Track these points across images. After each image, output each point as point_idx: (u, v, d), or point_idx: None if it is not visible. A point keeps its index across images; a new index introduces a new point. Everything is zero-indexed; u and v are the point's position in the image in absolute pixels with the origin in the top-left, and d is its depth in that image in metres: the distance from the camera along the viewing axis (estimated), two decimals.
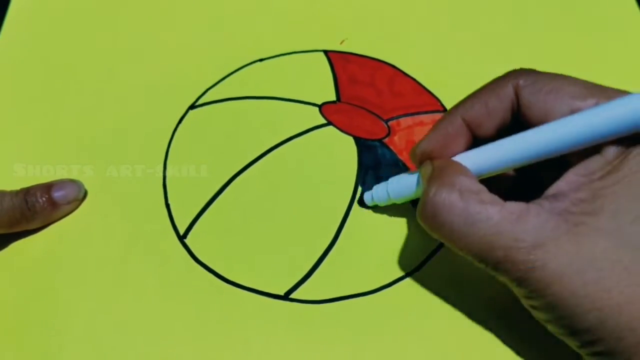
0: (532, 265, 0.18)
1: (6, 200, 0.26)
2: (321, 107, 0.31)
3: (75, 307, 0.26)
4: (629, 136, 0.19)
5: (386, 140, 0.30)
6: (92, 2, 0.37)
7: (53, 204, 0.27)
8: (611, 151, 0.19)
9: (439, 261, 0.26)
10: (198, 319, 0.25)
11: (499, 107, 0.21)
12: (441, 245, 0.26)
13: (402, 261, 0.26)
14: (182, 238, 0.27)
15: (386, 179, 0.28)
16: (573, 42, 0.33)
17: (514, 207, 0.19)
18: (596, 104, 0.19)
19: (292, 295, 0.26)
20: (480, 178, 0.22)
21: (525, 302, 0.20)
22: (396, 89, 0.32)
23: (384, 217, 0.27)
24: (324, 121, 0.31)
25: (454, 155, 0.22)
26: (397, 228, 0.27)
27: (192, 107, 0.32)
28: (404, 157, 0.29)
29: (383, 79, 0.32)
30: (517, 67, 0.32)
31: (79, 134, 0.31)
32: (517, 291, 0.20)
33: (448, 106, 0.31)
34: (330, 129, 0.30)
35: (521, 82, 0.21)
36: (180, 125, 0.31)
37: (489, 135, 0.22)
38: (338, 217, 0.27)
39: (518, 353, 0.23)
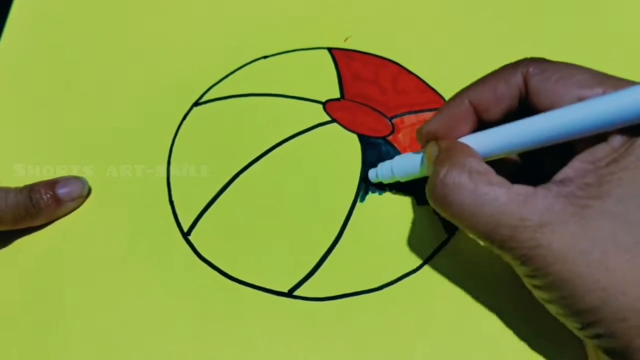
0: (537, 243, 0.19)
1: (10, 196, 0.26)
2: (325, 104, 0.31)
3: (78, 304, 0.26)
4: (635, 125, 0.19)
5: (390, 137, 0.30)
6: (93, 1, 0.36)
7: (57, 201, 0.27)
8: (617, 139, 0.19)
9: (443, 258, 0.26)
10: (202, 316, 0.25)
11: (506, 93, 0.22)
12: (445, 242, 0.26)
13: (406, 258, 0.26)
14: (186, 235, 0.27)
15: None
16: (575, 41, 0.33)
17: (521, 189, 0.20)
18: (603, 93, 0.20)
19: (296, 293, 0.26)
20: (486, 160, 0.22)
21: (528, 282, 0.20)
22: (400, 87, 0.32)
23: (388, 214, 0.27)
24: (328, 118, 0.31)
25: (460, 137, 0.23)
26: (401, 225, 0.27)
27: (196, 104, 0.32)
28: None
29: (387, 77, 0.32)
30: None
31: (80, 134, 0.31)
32: (521, 270, 0.20)
33: None
34: (334, 126, 0.30)
35: (531, 69, 0.21)
36: (184, 122, 0.31)
37: (495, 119, 0.22)
38: (342, 214, 0.27)
39: (522, 352, 0.23)
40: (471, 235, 0.21)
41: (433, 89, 0.32)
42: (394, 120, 0.30)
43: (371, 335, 0.24)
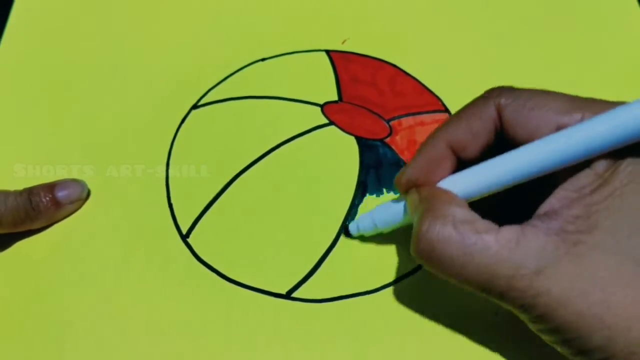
0: (537, 291, 0.18)
1: (10, 199, 0.26)
2: (323, 106, 0.31)
3: (78, 306, 0.26)
4: (617, 149, 0.18)
5: (388, 140, 0.30)
6: (94, 3, 0.37)
7: (56, 204, 0.27)
8: (601, 164, 0.19)
9: None
10: (200, 318, 0.25)
11: (482, 129, 0.21)
12: None
13: (404, 260, 0.26)
14: (184, 237, 0.27)
15: (387, 178, 0.28)
16: (573, 42, 0.33)
17: (510, 232, 0.19)
18: (582, 118, 0.19)
19: (294, 294, 0.26)
20: (469, 201, 0.21)
21: (532, 327, 0.20)
22: (398, 89, 0.32)
23: None
24: (325, 121, 0.31)
25: (441, 179, 0.22)
26: (399, 228, 0.27)
27: (195, 107, 0.32)
28: (405, 156, 0.29)
29: (384, 79, 0.32)
30: (517, 67, 0.33)
31: (80, 135, 0.31)
32: (523, 317, 0.20)
33: (449, 105, 0.31)
34: (332, 128, 0.30)
35: (502, 101, 0.20)
36: (183, 125, 0.31)
37: (474, 157, 0.21)
38: (340, 216, 0.28)
39: (520, 352, 0.24)
40: (465, 288, 0.20)
41: (431, 91, 0.32)
42: (391, 123, 0.31)
43: (369, 337, 0.24)
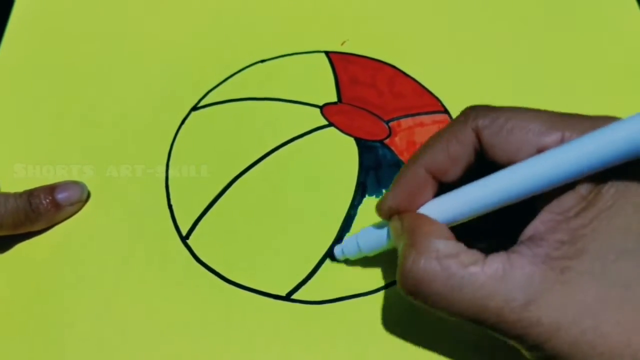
0: (528, 322, 0.18)
1: (10, 202, 0.26)
2: (322, 108, 0.31)
3: (78, 307, 0.26)
4: (601, 170, 0.18)
5: (387, 141, 0.30)
6: (94, 4, 0.37)
7: (56, 206, 0.27)
8: (585, 186, 0.18)
9: None
10: (200, 320, 0.25)
11: (461, 152, 0.20)
12: None
13: None
14: (184, 239, 0.28)
15: (387, 179, 0.28)
16: (573, 42, 0.33)
17: (497, 263, 0.18)
18: (561, 138, 0.19)
19: (294, 296, 0.26)
20: (450, 226, 0.21)
21: (528, 355, 0.20)
22: (397, 90, 0.32)
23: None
24: (325, 122, 0.31)
25: (422, 205, 0.21)
26: None
27: (194, 108, 0.32)
28: (404, 157, 0.29)
29: (384, 80, 0.32)
30: (516, 68, 0.33)
31: (80, 135, 0.31)
32: (516, 346, 0.19)
33: (448, 107, 0.31)
34: (332, 130, 0.30)
35: (480, 122, 0.20)
36: (183, 127, 0.31)
37: (456, 178, 0.21)
38: (339, 217, 0.28)
39: (520, 352, 0.24)
40: (456, 320, 0.20)
41: (430, 92, 0.32)
42: (390, 124, 0.31)
43: (368, 338, 0.24)
